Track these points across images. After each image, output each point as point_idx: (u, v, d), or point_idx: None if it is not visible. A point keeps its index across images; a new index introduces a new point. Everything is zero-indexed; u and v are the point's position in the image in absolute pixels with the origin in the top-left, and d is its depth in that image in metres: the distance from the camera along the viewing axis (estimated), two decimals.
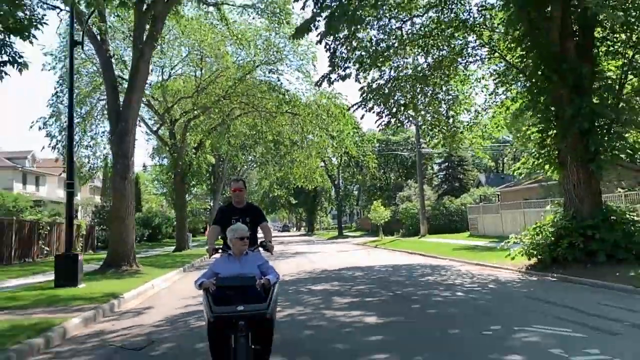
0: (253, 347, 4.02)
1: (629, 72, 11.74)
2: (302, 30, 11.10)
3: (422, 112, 17.25)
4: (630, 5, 10.60)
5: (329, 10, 10.07)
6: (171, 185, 33.07)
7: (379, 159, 45.97)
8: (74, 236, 28.36)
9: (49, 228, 24.60)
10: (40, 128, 24.06)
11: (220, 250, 4.82)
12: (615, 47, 11.87)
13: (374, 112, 15.85)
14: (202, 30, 23.17)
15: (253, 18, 23.53)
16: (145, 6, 15.98)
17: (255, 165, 43.63)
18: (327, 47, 10.98)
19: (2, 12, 6.16)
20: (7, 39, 8.32)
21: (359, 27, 12.05)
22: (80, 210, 48.48)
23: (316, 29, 10.65)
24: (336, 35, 10.67)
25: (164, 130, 28.19)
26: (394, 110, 16.20)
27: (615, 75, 12.12)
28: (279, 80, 25.84)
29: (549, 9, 11.55)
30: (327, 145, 29.13)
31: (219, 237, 5.44)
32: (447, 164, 47.91)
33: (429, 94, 16.14)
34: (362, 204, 63.83)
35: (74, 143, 16.89)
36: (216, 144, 30.50)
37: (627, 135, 11.68)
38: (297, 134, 28.04)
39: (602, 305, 7.59)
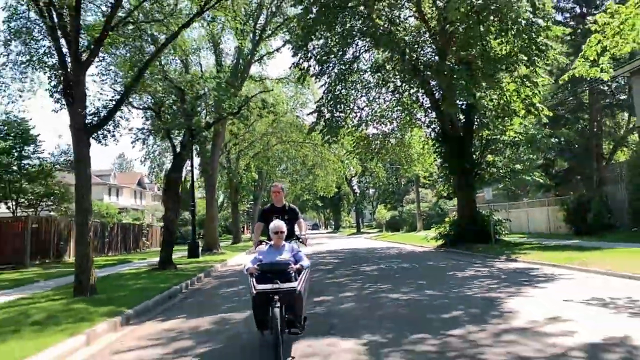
0: (286, 315, 5.08)
1: (487, 142, 21.81)
2: (310, 130, 21.95)
3: (395, 152, 27.61)
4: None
5: (323, 122, 20.81)
6: (227, 196, 44.29)
7: (391, 167, 55.96)
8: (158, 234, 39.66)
9: (148, 229, 36.22)
10: (142, 161, 35.69)
11: (263, 242, 5.90)
12: (481, 126, 21.90)
13: (359, 156, 26.54)
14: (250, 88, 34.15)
15: (284, 85, 34.34)
16: None
17: (286, 174, 54.58)
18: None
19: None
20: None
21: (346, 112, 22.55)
22: (147, 214, 59.93)
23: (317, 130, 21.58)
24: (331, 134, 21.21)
25: (223, 157, 39.32)
26: (376, 151, 26.78)
27: (483, 140, 22.13)
28: (302, 122, 36.50)
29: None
30: (339, 167, 39.81)
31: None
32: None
33: (394, 144, 26.56)
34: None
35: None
36: (259, 164, 41.50)
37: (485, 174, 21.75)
38: (318, 157, 38.73)
39: (434, 257, 17.76)
